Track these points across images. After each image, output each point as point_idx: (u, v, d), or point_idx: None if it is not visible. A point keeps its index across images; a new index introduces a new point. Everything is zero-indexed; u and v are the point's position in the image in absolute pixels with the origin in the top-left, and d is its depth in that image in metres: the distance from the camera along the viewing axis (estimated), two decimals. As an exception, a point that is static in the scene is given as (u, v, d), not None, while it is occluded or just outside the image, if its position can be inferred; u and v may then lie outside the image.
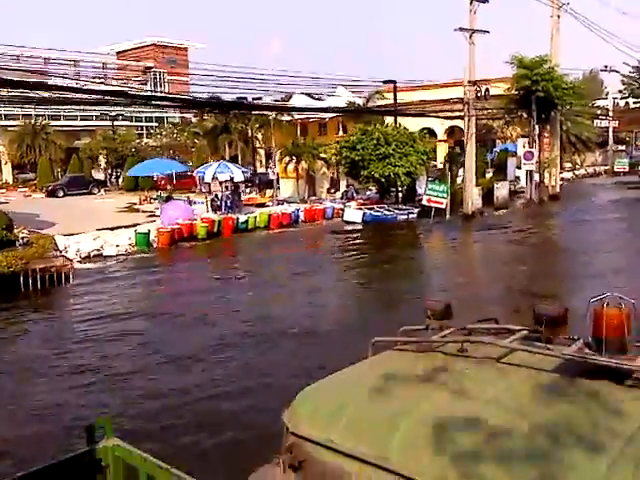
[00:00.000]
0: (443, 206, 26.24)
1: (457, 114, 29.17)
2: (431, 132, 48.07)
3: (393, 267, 19.00)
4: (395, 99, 33.19)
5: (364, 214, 28.30)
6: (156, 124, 72.60)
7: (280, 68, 27.07)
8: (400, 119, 32.43)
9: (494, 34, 28.55)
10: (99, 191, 49.34)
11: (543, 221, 28.93)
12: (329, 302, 15.38)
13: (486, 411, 2.39)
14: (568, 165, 53.95)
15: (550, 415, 2.33)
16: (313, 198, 34.40)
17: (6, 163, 64.33)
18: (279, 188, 38.28)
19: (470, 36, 27.67)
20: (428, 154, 29.96)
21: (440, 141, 48.88)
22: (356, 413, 2.57)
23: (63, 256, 19.68)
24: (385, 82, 32.85)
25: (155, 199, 35.03)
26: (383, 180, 29.55)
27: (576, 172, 51.22)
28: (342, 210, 29.17)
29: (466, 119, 28.12)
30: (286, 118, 39.71)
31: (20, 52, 75.57)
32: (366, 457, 2.38)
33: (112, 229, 23.57)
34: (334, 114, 36.48)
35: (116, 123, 64.77)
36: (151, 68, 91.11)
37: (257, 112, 39.64)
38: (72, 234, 21.96)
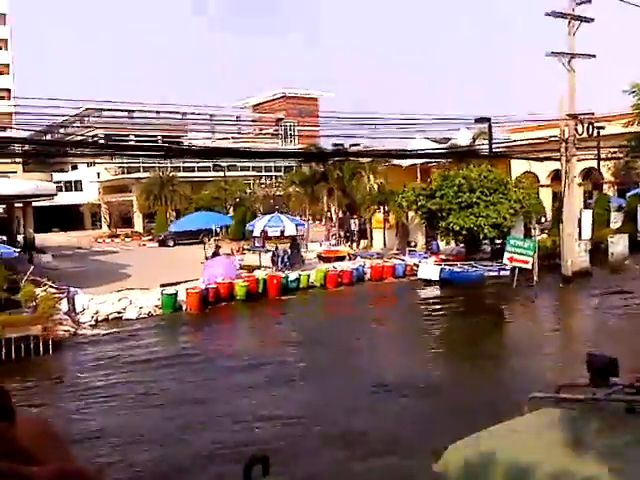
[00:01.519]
0: (529, 266, 21.40)
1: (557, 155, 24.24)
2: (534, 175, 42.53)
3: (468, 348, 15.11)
4: (490, 139, 28.84)
5: (442, 271, 24.25)
6: (282, 174, 73.12)
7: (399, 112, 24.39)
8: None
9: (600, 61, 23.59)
10: (209, 240, 49.57)
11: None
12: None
13: None
14: None
15: None
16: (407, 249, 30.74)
17: (137, 213, 67.76)
18: (372, 239, 35.42)
19: (569, 61, 22.99)
20: (523, 202, 25.20)
21: (543, 186, 43.03)
22: (510, 469, 2.47)
23: (72, 320, 18.28)
24: (477, 120, 28.69)
25: (248, 249, 34.44)
26: (465, 232, 25.32)
27: None
28: (417, 266, 25.33)
29: (563, 160, 23.17)
30: (407, 163, 36.86)
31: (160, 108, 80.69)
32: None
33: (176, 284, 21.96)
34: (422, 159, 32.72)
35: (245, 173, 66.10)
36: (282, 119, 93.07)
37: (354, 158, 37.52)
38: (111, 292, 20.75)
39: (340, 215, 41.43)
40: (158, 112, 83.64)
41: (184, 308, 20.49)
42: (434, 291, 23.35)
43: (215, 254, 24.38)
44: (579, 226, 29.09)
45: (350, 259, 28.38)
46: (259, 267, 24.68)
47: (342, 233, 39.33)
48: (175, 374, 13.77)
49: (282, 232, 24.04)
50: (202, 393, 12.22)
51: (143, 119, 77.44)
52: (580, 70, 22.95)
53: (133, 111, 79.06)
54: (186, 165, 73.31)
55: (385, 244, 34.43)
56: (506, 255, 22.00)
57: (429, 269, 24.59)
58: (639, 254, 27.49)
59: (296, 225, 24.63)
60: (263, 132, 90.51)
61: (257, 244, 26.13)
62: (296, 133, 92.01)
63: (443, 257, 27.29)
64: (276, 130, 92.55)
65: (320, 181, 42.42)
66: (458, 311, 19.86)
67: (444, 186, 25.65)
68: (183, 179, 64.82)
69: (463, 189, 25.12)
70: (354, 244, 36.50)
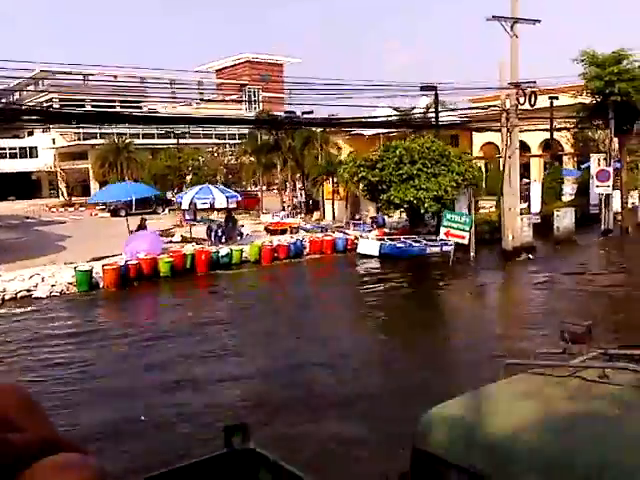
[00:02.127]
0: (465, 241, 20.64)
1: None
2: (523, 145, 42.02)
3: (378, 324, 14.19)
4: (437, 108, 27.87)
5: (381, 246, 23.39)
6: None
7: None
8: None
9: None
10: (163, 211, 48.11)
11: (613, 260, 22.33)
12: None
13: (630, 443, 2.25)
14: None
15: None
16: (351, 222, 29.72)
17: (93, 181, 65.81)
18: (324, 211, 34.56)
19: (512, 26, 21.91)
20: (465, 174, 24.28)
21: (534, 156, 42.40)
22: (487, 434, 2.49)
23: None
24: (423, 88, 27.60)
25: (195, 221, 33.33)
26: (406, 206, 24.44)
27: None
28: (357, 240, 24.44)
29: (504, 131, 22.27)
30: (370, 132, 35.61)
31: (118, 72, 77.81)
32: None
33: (105, 258, 20.83)
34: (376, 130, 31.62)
35: (204, 141, 64.26)
36: (245, 85, 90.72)
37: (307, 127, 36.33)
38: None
39: (298, 185, 40.36)
40: (115, 77, 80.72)
41: (101, 285, 19.34)
42: (372, 266, 22.51)
43: (140, 227, 23.06)
44: (528, 199, 28.59)
45: (292, 232, 27.41)
46: (190, 241, 23.54)
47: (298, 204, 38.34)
48: (85, 348, 12.87)
49: (212, 205, 22.80)
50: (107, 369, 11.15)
51: (99, 83, 74.87)
52: (536, 37, 21.94)
53: (89, 74, 76.32)
54: (145, 132, 70.98)
55: (334, 216, 33.55)
56: (442, 230, 21.21)
57: (369, 244, 23.72)
58: (589, 228, 26.97)
59: (227, 197, 23.34)
60: (226, 98, 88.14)
61: (187, 217, 24.84)
62: (260, 99, 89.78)
63: (387, 230, 26.42)
64: (240, 96, 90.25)
65: (273, 150, 41.17)
66: (393, 289, 19.00)
67: (385, 157, 24.62)
68: (142, 146, 62.89)
69: (404, 160, 24.12)
70: (306, 216, 35.53)
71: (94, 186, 65.07)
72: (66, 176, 68.07)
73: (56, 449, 0.80)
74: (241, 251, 22.46)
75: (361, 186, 25.66)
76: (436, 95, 27.66)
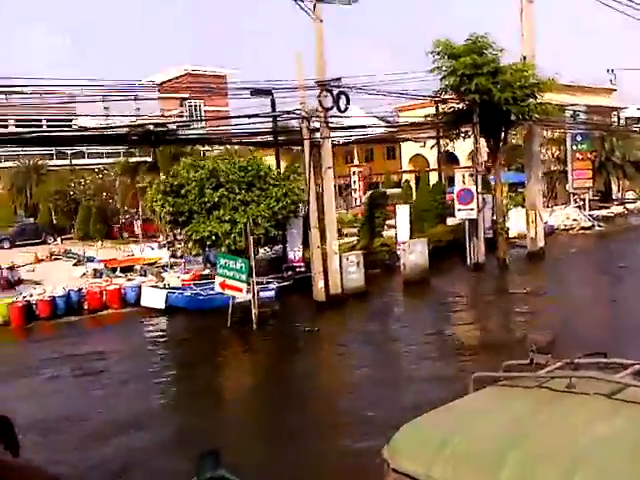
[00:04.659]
0: (243, 295, 15.23)
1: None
2: (453, 158, 37.27)
3: None
4: (274, 109, 22.52)
5: (168, 296, 18.10)
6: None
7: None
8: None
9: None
10: (54, 240, 42.84)
11: (461, 318, 16.90)
12: None
13: (598, 451, 2.26)
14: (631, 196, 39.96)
15: None
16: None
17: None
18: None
19: (314, 7, 16.74)
20: (283, 200, 18.95)
21: (432, 170, 37.53)
22: (459, 449, 2.48)
23: None
24: (254, 93, 22.27)
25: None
26: (209, 242, 19.15)
27: (629, 205, 36.71)
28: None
29: (306, 144, 17.04)
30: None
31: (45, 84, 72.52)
32: None
33: None
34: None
35: (99, 161, 59.14)
36: (186, 99, 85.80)
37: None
38: None
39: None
40: (41, 94, 75.44)
41: None
42: (157, 326, 17.20)
43: None
44: (395, 226, 23.36)
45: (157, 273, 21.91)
46: None
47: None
48: None
49: None
50: None
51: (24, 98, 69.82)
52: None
53: (11, 92, 71.28)
54: (61, 150, 65.60)
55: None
56: (217, 279, 15.82)
57: (153, 294, 18.39)
58: (458, 263, 21.50)
59: None
60: (166, 113, 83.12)
61: None
62: (202, 113, 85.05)
63: (207, 272, 21.07)
64: (181, 111, 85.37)
65: (153, 170, 35.99)
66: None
67: (191, 181, 19.36)
68: (58, 167, 57.82)
69: (207, 185, 18.90)
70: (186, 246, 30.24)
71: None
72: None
73: None
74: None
75: (164, 218, 20.37)
76: (272, 102, 22.38)
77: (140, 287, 19.29)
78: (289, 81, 18.02)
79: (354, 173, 49.51)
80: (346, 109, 16.66)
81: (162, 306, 17.95)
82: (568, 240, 26.84)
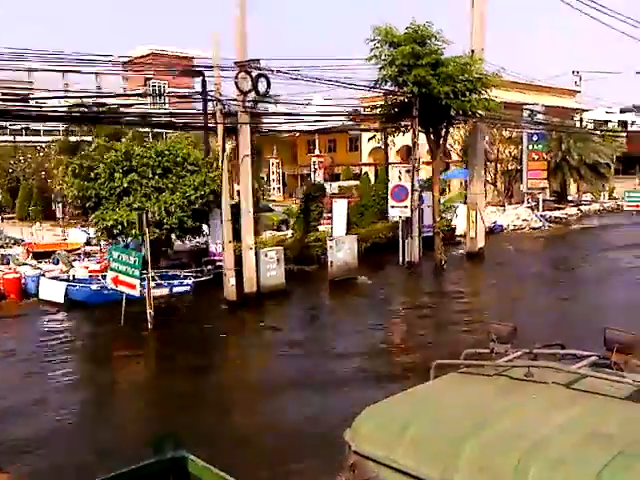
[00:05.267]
0: (136, 292, 13.85)
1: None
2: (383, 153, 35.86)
3: None
4: (205, 105, 20.96)
5: (68, 289, 16.56)
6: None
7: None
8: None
9: None
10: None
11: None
12: None
13: (554, 438, 2.28)
14: (587, 197, 39.43)
15: (623, 444, 2.18)
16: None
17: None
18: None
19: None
20: (201, 189, 17.50)
21: (392, 164, 36.23)
22: (420, 434, 2.50)
23: None
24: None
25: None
26: (117, 231, 17.63)
27: (584, 207, 36.10)
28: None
29: (220, 129, 15.64)
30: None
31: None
32: (429, 478, 2.33)
33: None
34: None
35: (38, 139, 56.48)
36: (150, 79, 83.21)
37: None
38: None
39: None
40: (-4, 66, 72.15)
41: None
42: (42, 324, 15.58)
43: None
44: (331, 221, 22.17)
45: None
46: None
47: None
48: None
49: None
50: None
51: (-22, 73, 66.75)
52: None
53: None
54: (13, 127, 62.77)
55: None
56: (109, 274, 14.39)
57: (52, 286, 16.82)
58: (392, 261, 20.28)
59: None
60: (131, 92, 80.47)
61: None
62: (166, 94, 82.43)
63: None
64: (145, 91, 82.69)
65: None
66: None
67: (102, 163, 17.79)
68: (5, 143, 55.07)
69: (118, 170, 17.37)
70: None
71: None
72: None
73: None
74: None
75: (73, 202, 18.80)
76: (204, 82, 20.74)
77: (39, 276, 17.73)
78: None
79: (314, 163, 48.40)
80: (266, 93, 15.27)
81: (61, 300, 16.40)
82: (513, 240, 25.94)
